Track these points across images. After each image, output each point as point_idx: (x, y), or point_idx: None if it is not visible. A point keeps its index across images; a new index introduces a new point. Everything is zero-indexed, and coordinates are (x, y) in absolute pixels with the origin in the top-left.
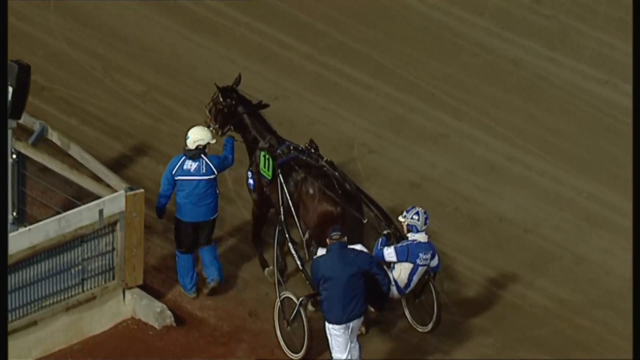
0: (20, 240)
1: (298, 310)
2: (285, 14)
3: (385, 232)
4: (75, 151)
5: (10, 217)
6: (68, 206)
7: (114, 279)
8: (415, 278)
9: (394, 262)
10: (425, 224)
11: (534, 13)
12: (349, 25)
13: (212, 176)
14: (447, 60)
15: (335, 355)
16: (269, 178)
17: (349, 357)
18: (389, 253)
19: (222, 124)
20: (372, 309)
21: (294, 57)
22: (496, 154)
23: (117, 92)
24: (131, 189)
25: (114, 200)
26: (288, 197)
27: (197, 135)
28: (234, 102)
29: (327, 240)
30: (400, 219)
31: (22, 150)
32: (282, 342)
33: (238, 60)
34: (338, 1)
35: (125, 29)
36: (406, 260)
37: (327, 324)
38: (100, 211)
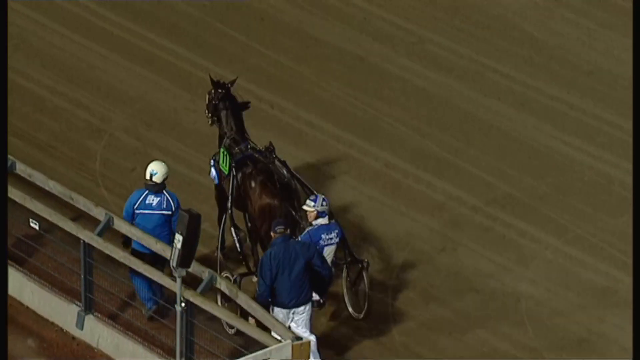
0: None
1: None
2: (452, 166)
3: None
4: (242, 300)
5: None
6: (235, 355)
7: None
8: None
9: None
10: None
11: None
12: (516, 178)
13: (170, 212)
14: (617, 214)
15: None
16: (226, 173)
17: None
18: None
19: (211, 114)
20: (315, 295)
21: (461, 209)
22: None
23: None
24: (298, 339)
25: (281, 350)
26: (238, 190)
27: (163, 169)
28: (219, 97)
29: (272, 234)
30: (307, 208)
31: (191, 299)
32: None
33: (407, 212)
34: (506, 153)
35: None
36: None
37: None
38: None
